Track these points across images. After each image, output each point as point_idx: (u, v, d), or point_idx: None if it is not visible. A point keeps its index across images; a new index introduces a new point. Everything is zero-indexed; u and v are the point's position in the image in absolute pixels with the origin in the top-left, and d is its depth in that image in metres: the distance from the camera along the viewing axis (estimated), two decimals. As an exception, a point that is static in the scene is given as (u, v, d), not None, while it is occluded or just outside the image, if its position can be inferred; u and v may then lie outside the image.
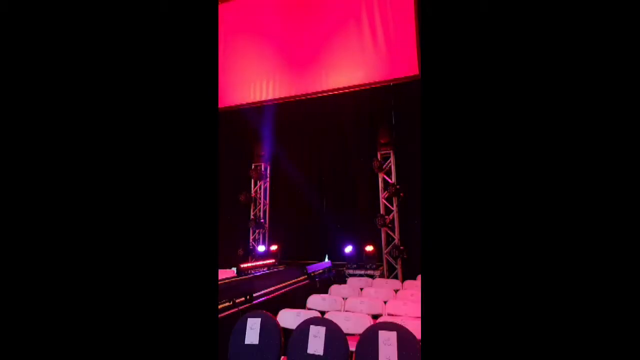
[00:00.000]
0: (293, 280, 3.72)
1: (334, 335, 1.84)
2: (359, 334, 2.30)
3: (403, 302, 3.25)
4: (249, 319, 1.98)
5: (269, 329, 1.92)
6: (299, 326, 1.92)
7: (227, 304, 2.32)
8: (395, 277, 5.36)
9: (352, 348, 1.90)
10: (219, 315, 2.15)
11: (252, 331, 1.92)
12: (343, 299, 3.39)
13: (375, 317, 2.93)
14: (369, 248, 5.60)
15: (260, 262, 4.99)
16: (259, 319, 1.96)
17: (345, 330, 2.00)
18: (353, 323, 2.51)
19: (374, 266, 5.41)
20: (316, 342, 1.82)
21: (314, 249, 6.08)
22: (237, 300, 2.40)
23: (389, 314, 3.15)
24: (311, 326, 1.86)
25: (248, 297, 2.50)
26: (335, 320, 2.06)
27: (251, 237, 6.57)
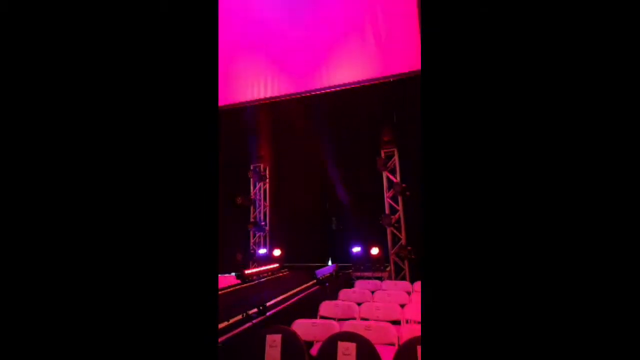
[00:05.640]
0: (303, 287, 3.52)
1: (366, 351, 1.65)
2: (386, 344, 2.12)
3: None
4: (267, 335, 1.78)
5: (292, 347, 1.73)
6: (324, 343, 1.73)
7: (239, 317, 2.11)
8: (403, 279, 5.21)
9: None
10: (232, 333, 1.94)
11: (273, 349, 1.72)
12: (357, 304, 3.20)
13: (394, 323, 2.76)
14: (374, 251, 5.42)
15: (265, 267, 4.77)
16: (280, 336, 1.76)
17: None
18: (375, 332, 2.32)
19: (382, 268, 5.24)
20: (347, 360, 1.62)
21: (317, 252, 5.90)
22: (250, 312, 2.19)
23: (408, 320, 2.98)
24: (339, 343, 1.66)
25: (261, 308, 2.29)
26: (354, 331, 1.88)
27: (251, 241, 6.34)
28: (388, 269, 5.29)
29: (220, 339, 1.81)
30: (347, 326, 2.39)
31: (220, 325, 1.94)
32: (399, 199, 5.44)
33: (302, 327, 2.40)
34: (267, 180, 6.58)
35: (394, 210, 5.48)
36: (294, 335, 1.77)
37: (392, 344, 2.32)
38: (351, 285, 4.29)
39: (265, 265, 5.16)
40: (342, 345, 1.66)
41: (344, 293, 3.80)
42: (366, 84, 5.13)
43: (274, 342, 1.74)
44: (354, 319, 3.07)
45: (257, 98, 5.60)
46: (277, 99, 5.51)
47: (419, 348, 1.59)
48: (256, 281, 3.98)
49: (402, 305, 3.18)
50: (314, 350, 2.12)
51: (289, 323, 2.40)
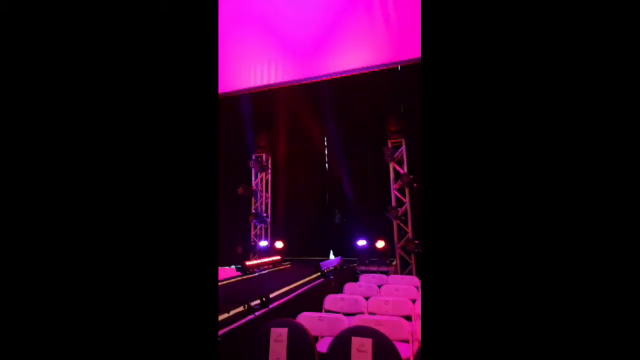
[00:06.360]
0: (307, 279, 3.34)
1: (384, 347, 1.46)
2: (399, 340, 1.95)
3: (433, 301, 2.89)
4: (272, 329, 1.59)
5: (300, 341, 1.54)
6: (336, 338, 1.54)
7: (240, 309, 1.92)
8: (409, 273, 5.03)
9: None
10: (232, 326, 1.76)
11: (278, 344, 1.53)
12: (365, 298, 3.02)
13: (406, 318, 2.58)
14: (380, 244, 5.22)
15: (267, 260, 4.59)
16: (286, 329, 1.57)
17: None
18: (388, 328, 2.13)
19: (387, 262, 5.05)
20: (362, 357, 1.44)
21: (320, 245, 5.72)
22: (252, 304, 2.01)
23: (418, 315, 2.80)
24: (354, 338, 1.47)
25: (264, 299, 2.10)
26: (365, 325, 1.70)
27: (252, 233, 6.16)
28: (394, 263, 5.11)
29: (220, 332, 1.62)
30: (357, 321, 2.21)
31: (220, 317, 1.75)
32: (406, 190, 5.24)
33: (308, 321, 2.21)
34: (269, 170, 6.38)
35: (400, 203, 5.29)
36: (301, 328, 1.58)
37: (406, 341, 2.14)
38: (356, 279, 4.11)
39: (267, 257, 4.98)
40: (356, 341, 1.47)
41: (349, 287, 3.62)
42: (373, 70, 4.90)
43: (279, 336, 1.55)
44: (362, 313, 2.89)
45: (259, 85, 5.38)
46: (280, 86, 5.29)
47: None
48: (257, 273, 3.79)
49: (413, 301, 3.00)
50: (319, 346, 1.94)
51: (293, 316, 2.21)
